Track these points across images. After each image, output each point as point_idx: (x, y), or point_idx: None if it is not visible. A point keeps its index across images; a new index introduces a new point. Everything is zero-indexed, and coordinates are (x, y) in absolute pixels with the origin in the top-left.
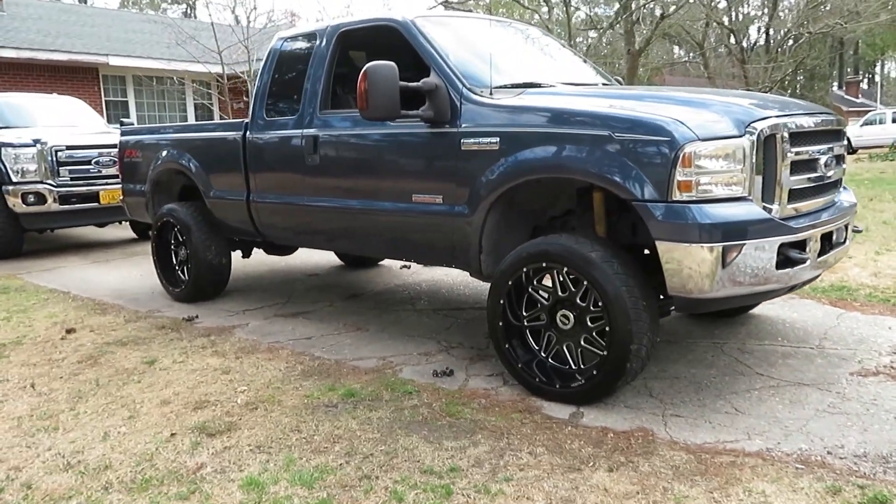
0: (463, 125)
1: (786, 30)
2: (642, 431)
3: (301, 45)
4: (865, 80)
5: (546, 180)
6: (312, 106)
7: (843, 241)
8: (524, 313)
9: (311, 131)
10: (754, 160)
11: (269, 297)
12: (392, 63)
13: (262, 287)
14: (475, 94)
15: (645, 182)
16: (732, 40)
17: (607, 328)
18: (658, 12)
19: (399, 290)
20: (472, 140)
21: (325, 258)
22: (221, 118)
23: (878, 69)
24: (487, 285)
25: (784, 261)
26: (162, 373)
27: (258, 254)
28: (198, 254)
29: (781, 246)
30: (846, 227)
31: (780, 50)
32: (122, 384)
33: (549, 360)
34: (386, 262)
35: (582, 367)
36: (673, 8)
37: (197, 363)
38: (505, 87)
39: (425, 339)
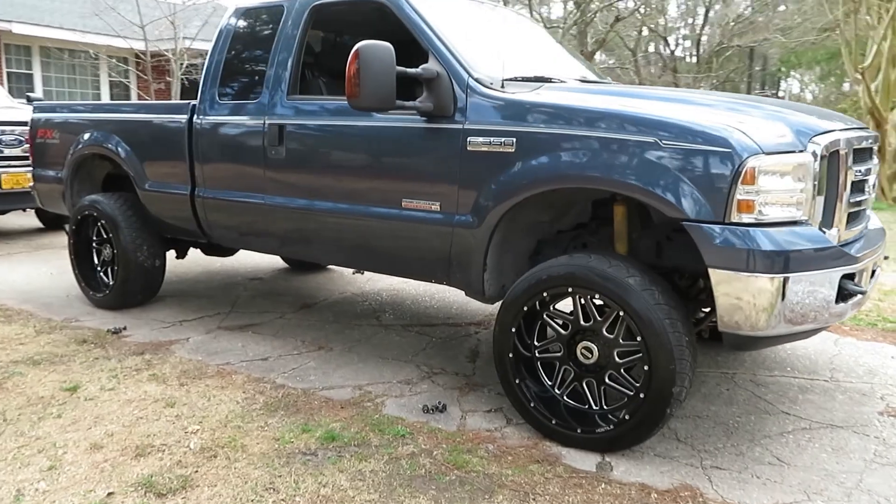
0: (469, 121)
1: (715, 42)
2: (688, 490)
3: (264, 18)
4: (771, 95)
5: (563, 190)
6: (278, 90)
7: (876, 269)
8: (536, 343)
9: (276, 120)
10: (817, 179)
11: (210, 306)
12: (388, 44)
13: (198, 293)
14: (484, 86)
15: (699, 199)
16: (666, 49)
17: (645, 367)
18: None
19: (357, 299)
20: (481, 139)
21: (267, 260)
22: (140, 98)
23: (783, 85)
24: (455, 298)
25: (841, 294)
26: (88, 404)
27: (192, 253)
28: (127, 254)
29: (842, 277)
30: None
31: (709, 61)
32: (38, 420)
33: (565, 398)
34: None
35: (605, 408)
36: (627, 12)
37: (132, 391)
38: (514, 80)
39: (401, 362)
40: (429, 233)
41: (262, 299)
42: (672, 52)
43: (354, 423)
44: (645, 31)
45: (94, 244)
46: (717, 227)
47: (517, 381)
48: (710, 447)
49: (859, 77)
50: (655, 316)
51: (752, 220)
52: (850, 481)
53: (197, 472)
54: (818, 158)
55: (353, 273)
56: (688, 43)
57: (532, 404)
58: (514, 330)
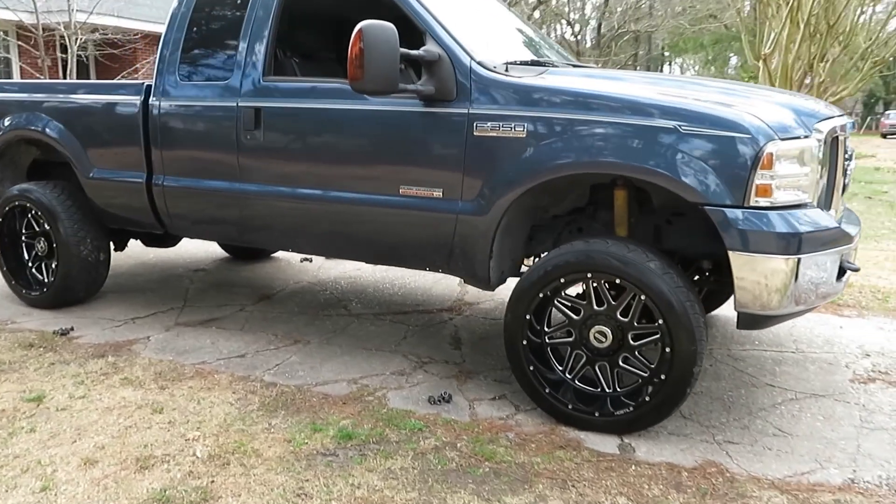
0: (475, 106)
1: (615, 27)
2: (714, 466)
3: None
4: None
5: (570, 174)
6: (252, 71)
7: None
8: (546, 329)
9: (252, 102)
10: (820, 163)
11: (159, 301)
12: (391, 24)
13: (140, 287)
14: (488, 69)
15: (719, 184)
16: (569, 33)
17: (667, 349)
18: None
19: (316, 288)
20: (489, 124)
21: (204, 248)
22: (30, 76)
23: (665, 68)
24: (417, 284)
25: (840, 272)
26: (62, 415)
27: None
28: (69, 248)
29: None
30: None
31: (609, 45)
32: (8, 436)
33: (576, 382)
34: (281, 253)
35: (618, 390)
36: None
37: (108, 398)
38: (515, 63)
39: (386, 352)
40: (429, 220)
41: (215, 292)
42: (576, 36)
43: (364, 419)
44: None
45: (23, 238)
46: (737, 211)
47: (531, 368)
48: (715, 423)
49: (760, 62)
50: (677, 299)
51: (768, 204)
52: (850, 447)
53: (213, 482)
54: (822, 143)
55: (302, 260)
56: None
57: (547, 390)
58: (528, 317)
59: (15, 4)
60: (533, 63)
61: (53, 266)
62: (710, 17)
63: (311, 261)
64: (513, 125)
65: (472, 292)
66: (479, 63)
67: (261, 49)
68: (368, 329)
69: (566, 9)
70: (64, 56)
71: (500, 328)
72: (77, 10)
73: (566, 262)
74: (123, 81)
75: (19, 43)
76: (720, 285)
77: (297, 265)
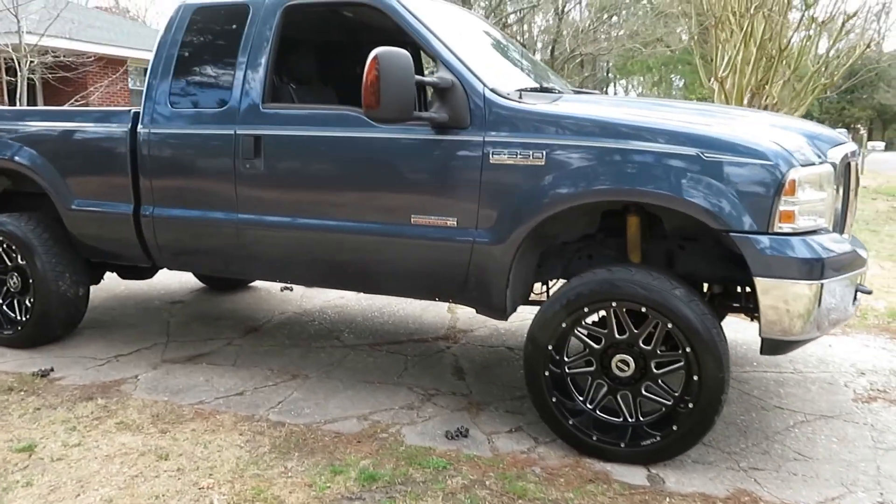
0: (491, 133)
1: (567, 50)
2: (746, 495)
3: (223, 19)
4: None
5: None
6: (250, 98)
7: None
8: (566, 359)
9: (251, 130)
10: (835, 188)
11: (140, 337)
12: (405, 51)
13: (117, 322)
14: (501, 97)
15: (743, 211)
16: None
17: (694, 376)
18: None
19: (303, 319)
20: (506, 152)
21: (178, 279)
22: None
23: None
24: (406, 312)
25: (854, 296)
26: (59, 466)
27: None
28: (46, 283)
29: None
30: None
31: (563, 67)
32: (2, 492)
33: (598, 413)
34: (260, 283)
35: (641, 419)
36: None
37: (106, 445)
38: (526, 90)
39: (390, 385)
40: (443, 249)
41: (198, 325)
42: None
43: (384, 458)
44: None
45: None
46: (763, 238)
47: (553, 400)
48: (735, 449)
49: (715, 83)
50: (703, 325)
51: (791, 230)
52: (871, 469)
53: None
54: (836, 169)
55: (282, 289)
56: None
57: (570, 422)
58: (550, 347)
59: None
60: (542, 90)
61: (28, 303)
62: (657, 40)
63: (291, 290)
64: (531, 153)
65: (464, 319)
66: (492, 90)
67: (259, 76)
68: (366, 361)
69: (516, 32)
70: (9, 79)
71: (499, 357)
72: (27, 32)
73: (590, 290)
74: (110, 109)
75: None
76: (724, 309)
77: (278, 295)
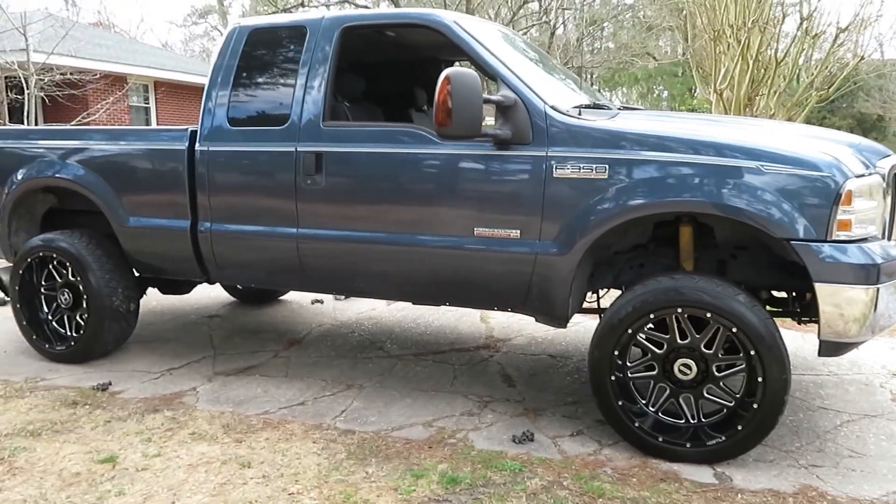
0: (553, 148)
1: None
2: (812, 490)
3: (281, 40)
4: None
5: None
6: (310, 116)
7: None
8: (629, 364)
9: (312, 147)
10: (884, 197)
11: (186, 350)
12: (474, 71)
13: (160, 336)
14: (562, 113)
15: (803, 220)
16: None
17: (759, 378)
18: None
19: (343, 331)
20: (569, 166)
21: (209, 294)
22: None
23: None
24: (441, 322)
25: None
26: (145, 475)
27: None
28: (101, 298)
29: None
30: None
31: None
32: (98, 500)
33: (660, 415)
34: (290, 295)
35: (702, 420)
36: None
37: (185, 455)
38: (583, 107)
39: (444, 393)
40: (506, 260)
41: (240, 338)
42: None
43: (459, 462)
44: None
45: (42, 291)
46: (823, 245)
47: (619, 404)
48: (791, 447)
49: (714, 95)
50: (767, 330)
51: (846, 238)
52: None
53: None
54: (885, 179)
55: (313, 302)
56: None
57: (636, 424)
58: (616, 353)
59: None
60: (596, 106)
61: (79, 318)
62: (646, 53)
63: (322, 302)
64: (594, 167)
65: (499, 329)
66: (552, 107)
67: (318, 94)
68: (415, 370)
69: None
70: (11, 97)
71: (544, 364)
72: (35, 51)
73: (656, 298)
74: (168, 128)
75: None
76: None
77: (310, 308)
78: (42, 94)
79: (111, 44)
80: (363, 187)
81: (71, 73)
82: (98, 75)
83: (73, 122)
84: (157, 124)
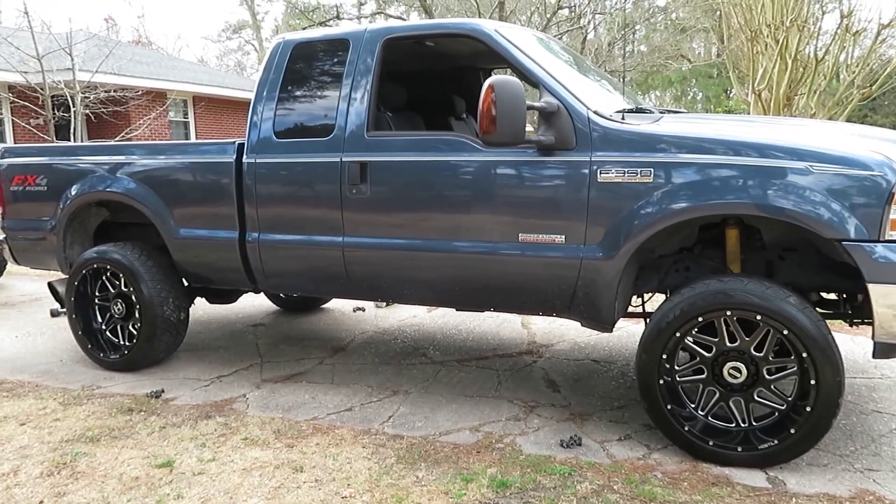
0: (597, 153)
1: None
2: (869, 494)
3: (325, 53)
4: None
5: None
6: (354, 127)
7: None
8: (677, 368)
9: (357, 157)
10: None
11: (234, 358)
12: (517, 79)
13: (207, 345)
14: (605, 118)
15: (854, 220)
16: None
17: (811, 380)
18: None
19: (385, 338)
20: (614, 171)
21: (252, 303)
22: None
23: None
24: (483, 328)
25: None
26: (202, 479)
27: None
28: (153, 308)
29: None
30: None
31: None
32: (157, 503)
33: (710, 419)
34: (332, 304)
35: (754, 423)
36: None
37: (240, 460)
38: (625, 111)
39: (489, 398)
40: (551, 265)
41: (286, 346)
42: None
43: (508, 466)
44: None
45: (96, 301)
46: (876, 246)
47: (669, 408)
48: (845, 451)
49: (750, 97)
50: (819, 332)
51: None
52: None
53: None
54: None
55: (355, 310)
56: None
57: (686, 428)
58: (664, 357)
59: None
60: (638, 111)
61: (132, 328)
62: (680, 56)
63: (364, 310)
64: (639, 171)
65: (540, 334)
66: (595, 112)
67: (362, 105)
68: (459, 376)
69: None
70: (58, 115)
71: (588, 369)
72: (80, 69)
73: (705, 300)
74: (215, 141)
75: (23, 102)
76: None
77: (352, 315)
78: (87, 111)
79: (151, 61)
80: (407, 196)
81: (114, 91)
82: (140, 92)
83: (117, 138)
84: (196, 138)
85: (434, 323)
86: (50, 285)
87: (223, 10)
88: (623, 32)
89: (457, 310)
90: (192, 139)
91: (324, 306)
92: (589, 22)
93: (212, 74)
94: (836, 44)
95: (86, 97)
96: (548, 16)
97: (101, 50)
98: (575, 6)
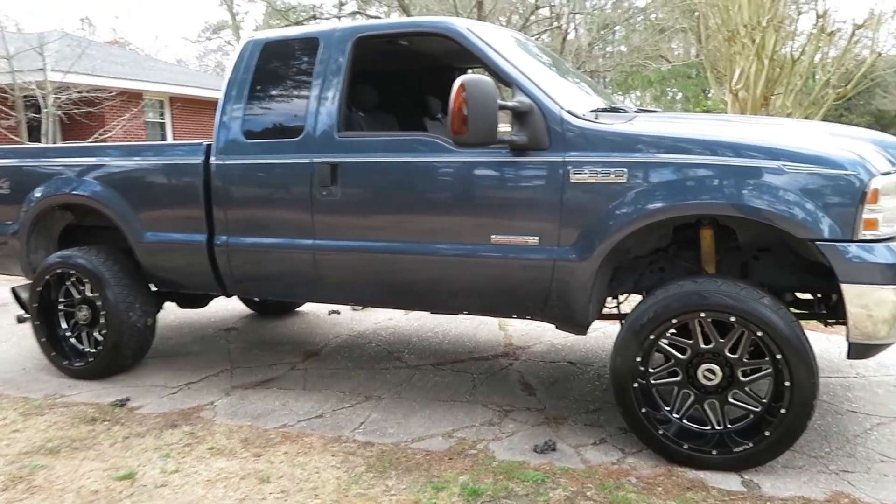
0: (570, 153)
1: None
2: (844, 497)
3: (294, 52)
4: None
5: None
6: (325, 127)
7: None
8: (651, 370)
9: (327, 158)
10: None
11: (204, 364)
12: (489, 78)
13: (177, 350)
14: (578, 117)
15: (828, 220)
16: None
17: (786, 382)
18: None
19: (360, 341)
20: (587, 171)
21: (225, 307)
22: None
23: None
24: (459, 331)
25: None
26: (164, 492)
27: None
28: (118, 314)
29: None
30: None
31: None
32: None
33: (685, 422)
34: (307, 307)
35: (729, 426)
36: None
37: (204, 471)
38: (599, 110)
39: (463, 403)
40: (524, 268)
41: (258, 351)
42: None
43: (480, 473)
44: None
45: (60, 307)
46: (849, 245)
47: (643, 411)
48: (820, 453)
49: (727, 97)
50: (793, 333)
51: (873, 237)
52: None
53: None
54: None
55: (330, 313)
56: None
57: (660, 432)
58: (639, 359)
59: None
60: (613, 110)
61: (97, 334)
62: (659, 56)
63: (339, 313)
64: (612, 171)
65: (517, 336)
66: (568, 112)
67: (333, 105)
68: (434, 380)
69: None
70: (29, 116)
71: (564, 372)
72: (52, 70)
73: (679, 302)
74: (183, 142)
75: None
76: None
77: (326, 319)
78: (59, 112)
79: (126, 61)
80: (378, 197)
81: (87, 91)
82: (114, 92)
83: (90, 140)
84: (174, 139)
85: (410, 326)
86: (13, 291)
87: (203, 10)
88: (602, 33)
89: (431, 313)
90: (169, 140)
91: (298, 309)
92: (568, 22)
93: (189, 75)
94: (812, 44)
95: (58, 98)
96: (526, 15)
97: (75, 50)
98: (554, 6)
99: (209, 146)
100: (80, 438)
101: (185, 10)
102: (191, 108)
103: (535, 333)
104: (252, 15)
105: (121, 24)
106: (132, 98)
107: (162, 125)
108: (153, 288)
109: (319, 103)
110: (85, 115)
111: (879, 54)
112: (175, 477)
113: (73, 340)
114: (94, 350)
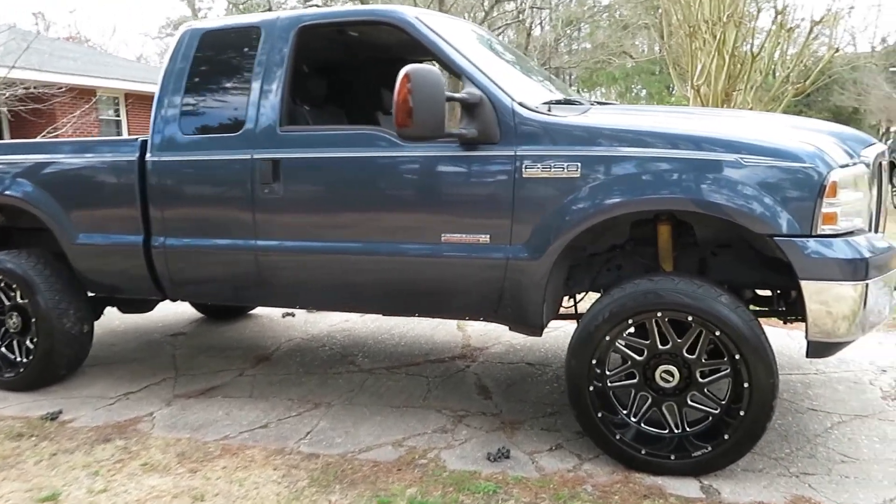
0: (522, 147)
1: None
2: (804, 501)
3: (235, 42)
4: None
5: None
6: (266, 122)
7: None
8: (608, 372)
9: (269, 154)
10: (870, 188)
11: (147, 372)
12: (436, 68)
13: (119, 358)
14: (530, 110)
15: (786, 215)
16: None
17: (745, 383)
18: None
19: (312, 345)
20: (539, 165)
21: (175, 311)
22: None
23: None
24: (416, 332)
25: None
26: None
27: None
28: (50, 321)
29: None
30: None
31: None
32: None
33: (642, 426)
34: (261, 309)
35: (687, 430)
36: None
37: (134, 490)
38: (553, 102)
39: (417, 408)
40: (476, 267)
41: (205, 357)
42: None
43: (429, 485)
44: None
45: None
46: (808, 241)
47: (599, 416)
48: (780, 454)
49: (689, 93)
50: (752, 332)
51: (832, 232)
52: None
53: None
54: (870, 169)
55: (284, 316)
56: None
57: (617, 436)
58: (594, 362)
59: None
60: (567, 102)
61: (30, 343)
62: (623, 53)
63: (294, 315)
64: (565, 165)
65: (476, 337)
66: (520, 104)
67: (275, 99)
68: (387, 385)
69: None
70: None
71: (521, 373)
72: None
73: (634, 301)
74: (117, 138)
75: None
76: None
77: (280, 321)
78: (4, 108)
79: (78, 56)
80: (322, 195)
81: (35, 87)
82: (64, 88)
83: (38, 137)
84: (129, 136)
85: (366, 327)
86: None
87: (164, 6)
88: (567, 29)
89: (384, 315)
90: (125, 137)
91: (251, 312)
92: (532, 17)
93: (146, 71)
94: (771, 40)
95: (2, 94)
96: (485, 8)
97: (21, 44)
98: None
99: (145, 142)
100: (3, 456)
101: (146, 6)
102: (147, 104)
103: (494, 334)
104: (214, 11)
105: (79, 21)
106: (84, 94)
107: (118, 122)
108: (90, 293)
109: (261, 96)
110: (33, 112)
111: (837, 50)
112: (102, 497)
113: (3, 350)
114: (25, 360)
